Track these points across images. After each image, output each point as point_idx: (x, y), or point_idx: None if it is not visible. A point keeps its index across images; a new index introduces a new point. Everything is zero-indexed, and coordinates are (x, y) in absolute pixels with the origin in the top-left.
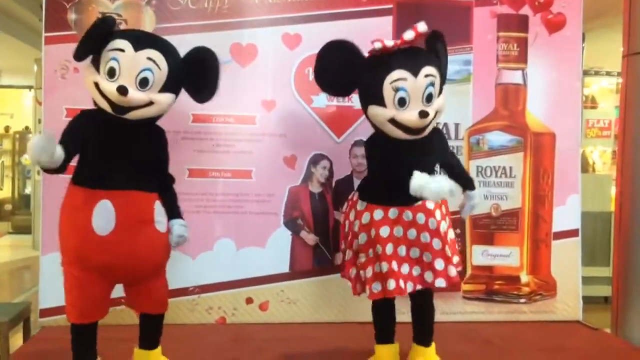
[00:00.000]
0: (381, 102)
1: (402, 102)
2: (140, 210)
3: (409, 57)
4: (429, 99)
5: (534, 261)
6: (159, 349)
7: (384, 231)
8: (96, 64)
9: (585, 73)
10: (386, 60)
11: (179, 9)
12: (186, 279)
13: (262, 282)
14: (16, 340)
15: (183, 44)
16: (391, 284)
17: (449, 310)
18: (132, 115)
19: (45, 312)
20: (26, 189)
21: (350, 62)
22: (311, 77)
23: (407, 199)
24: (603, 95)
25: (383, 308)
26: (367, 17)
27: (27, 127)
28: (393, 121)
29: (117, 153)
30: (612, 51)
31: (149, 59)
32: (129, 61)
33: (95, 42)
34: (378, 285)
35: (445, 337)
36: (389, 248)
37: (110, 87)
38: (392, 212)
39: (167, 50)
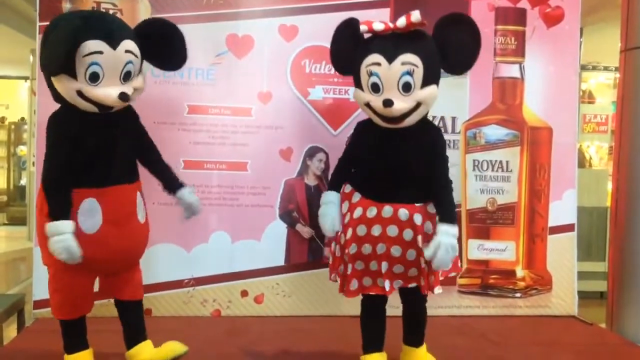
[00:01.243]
0: (360, 86)
1: (375, 88)
2: (125, 204)
3: (391, 42)
4: (406, 88)
5: (530, 256)
6: (149, 341)
7: (376, 229)
8: (69, 70)
9: (583, 68)
10: (371, 41)
11: None
12: (181, 272)
13: (257, 275)
14: (10, 332)
15: None
16: (386, 284)
17: (444, 304)
18: (116, 107)
19: (39, 304)
20: (21, 180)
21: (350, 40)
22: (307, 69)
23: (402, 197)
24: (600, 90)
25: (373, 312)
26: (365, 9)
27: (22, 118)
28: (369, 106)
29: (98, 149)
30: (610, 46)
31: (127, 51)
32: (110, 62)
33: (70, 52)
34: (356, 284)
35: (439, 331)
36: (380, 248)
37: (104, 94)
38: (387, 211)
39: (133, 33)
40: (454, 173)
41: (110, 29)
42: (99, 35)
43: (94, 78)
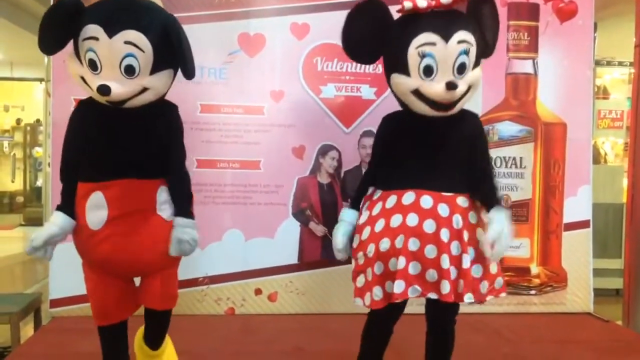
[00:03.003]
0: (405, 70)
1: (428, 71)
2: (138, 199)
3: (442, 19)
4: (461, 69)
5: (545, 252)
6: (159, 352)
7: (396, 220)
8: (77, 54)
9: (597, 63)
10: (414, 20)
11: None
12: (195, 270)
13: (270, 273)
14: (27, 331)
15: (191, 35)
16: (399, 286)
17: None
18: (130, 104)
19: (55, 303)
20: (37, 181)
21: (376, 23)
22: (319, 67)
23: (429, 183)
24: (615, 85)
25: (381, 328)
26: None
27: (38, 120)
28: (417, 93)
29: (112, 142)
30: (625, 41)
31: (128, 42)
32: (106, 51)
33: (54, 31)
34: (380, 291)
35: None
36: (399, 241)
37: (94, 84)
38: (407, 197)
39: (145, 26)
40: None
41: (111, 16)
42: (98, 20)
43: (93, 66)
